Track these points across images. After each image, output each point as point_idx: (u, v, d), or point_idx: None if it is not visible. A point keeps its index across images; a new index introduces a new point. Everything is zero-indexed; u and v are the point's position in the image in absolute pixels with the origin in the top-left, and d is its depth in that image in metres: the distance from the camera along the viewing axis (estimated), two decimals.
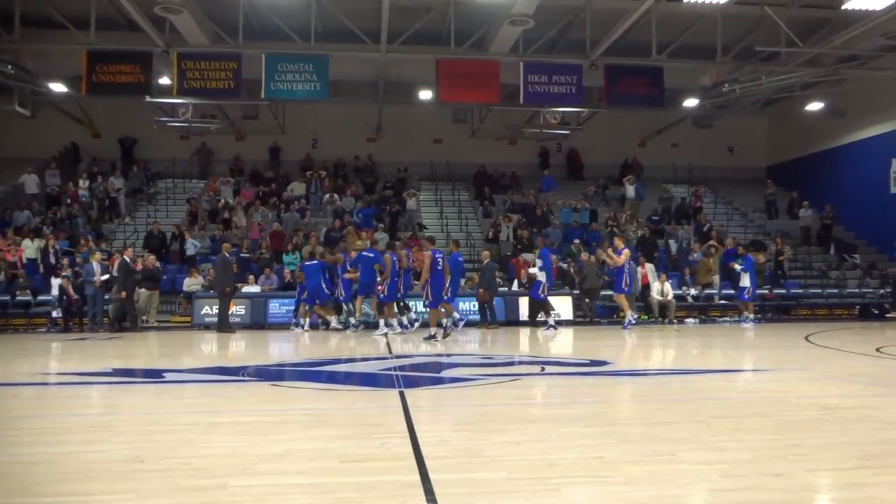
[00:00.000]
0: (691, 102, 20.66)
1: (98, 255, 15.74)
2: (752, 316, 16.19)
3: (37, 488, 3.35)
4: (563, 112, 20.51)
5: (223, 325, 14.35)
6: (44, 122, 21.83)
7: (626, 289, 14.46)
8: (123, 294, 14.88)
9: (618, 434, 4.48)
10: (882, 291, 18.40)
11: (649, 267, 17.33)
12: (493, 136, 24.16)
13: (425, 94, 20.14)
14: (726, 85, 18.61)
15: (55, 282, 16.01)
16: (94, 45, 17.60)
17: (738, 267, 16.42)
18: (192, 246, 18.73)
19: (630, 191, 22.95)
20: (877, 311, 18.38)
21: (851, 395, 5.92)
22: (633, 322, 14.42)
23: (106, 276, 15.31)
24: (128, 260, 15.13)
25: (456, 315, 12.94)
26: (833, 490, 3.28)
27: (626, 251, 14.55)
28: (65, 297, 15.56)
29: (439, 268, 12.14)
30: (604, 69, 18.82)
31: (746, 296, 16.25)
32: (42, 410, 5.75)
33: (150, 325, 16.12)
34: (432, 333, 11.79)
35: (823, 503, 3.17)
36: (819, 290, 18.75)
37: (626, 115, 23.04)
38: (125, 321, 15.44)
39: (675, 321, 16.45)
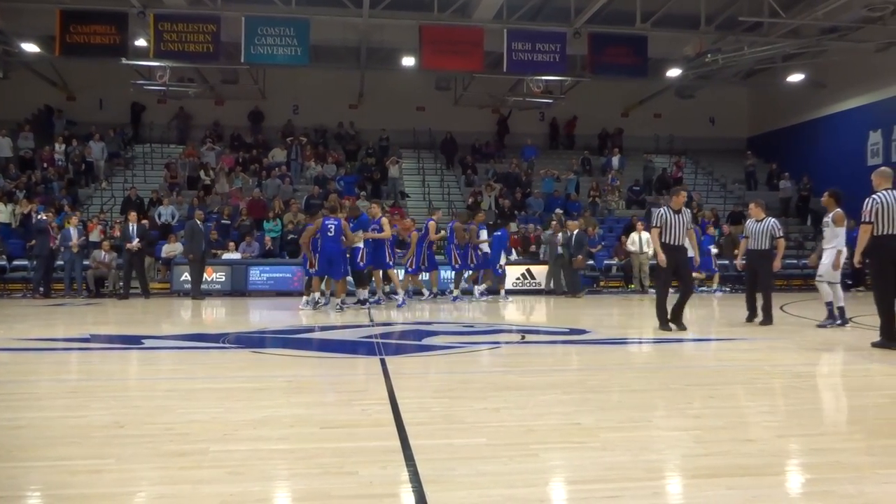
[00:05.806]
0: (674, 72, 20.59)
1: (75, 220, 15.49)
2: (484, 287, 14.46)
3: (20, 453, 3.36)
4: (546, 80, 20.37)
5: (195, 293, 14.31)
6: (16, 84, 21.25)
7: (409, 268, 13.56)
8: (191, 256, 14.38)
9: (595, 401, 4.57)
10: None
11: (645, 236, 17.43)
12: (476, 105, 23.99)
13: (408, 61, 19.84)
14: (709, 55, 18.55)
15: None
16: (68, 4, 17.10)
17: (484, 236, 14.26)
18: (165, 213, 18.40)
19: (615, 161, 23.04)
20: (850, 282, 18.69)
21: (822, 364, 6.07)
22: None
23: (83, 240, 15.10)
24: (198, 223, 14.60)
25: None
26: (801, 455, 3.38)
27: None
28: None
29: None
30: (588, 37, 18.67)
31: (499, 270, 14.76)
32: (22, 376, 5.72)
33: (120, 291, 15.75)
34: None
35: (792, 468, 3.26)
36: (794, 261, 18.97)
37: (610, 85, 22.93)
38: (103, 287, 15.28)
39: (650, 290, 16.65)
